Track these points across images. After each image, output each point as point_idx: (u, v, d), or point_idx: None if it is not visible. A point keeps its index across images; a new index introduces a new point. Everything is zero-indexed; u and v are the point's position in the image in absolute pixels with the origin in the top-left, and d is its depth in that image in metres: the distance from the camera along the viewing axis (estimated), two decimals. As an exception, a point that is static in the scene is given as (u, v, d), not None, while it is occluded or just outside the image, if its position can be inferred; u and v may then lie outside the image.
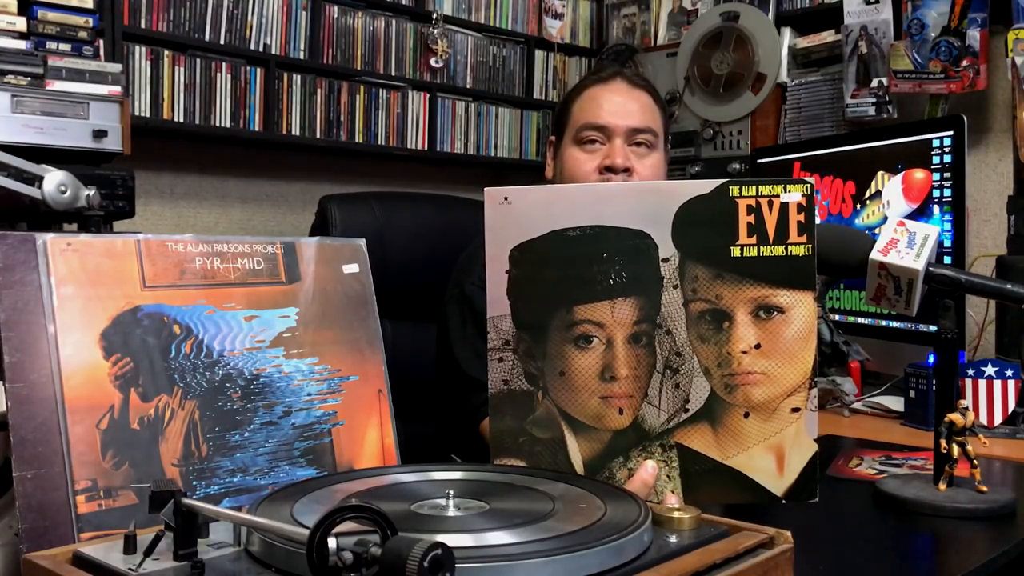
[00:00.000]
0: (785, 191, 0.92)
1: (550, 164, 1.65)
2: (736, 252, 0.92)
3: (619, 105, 1.55)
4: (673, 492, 0.93)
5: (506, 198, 0.91)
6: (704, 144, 3.00)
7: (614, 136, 1.53)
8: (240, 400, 0.90)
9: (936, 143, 1.87)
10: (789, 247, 0.92)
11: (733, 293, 0.93)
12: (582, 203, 0.92)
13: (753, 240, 0.92)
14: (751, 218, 0.92)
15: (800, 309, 0.93)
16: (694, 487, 0.93)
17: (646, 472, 0.92)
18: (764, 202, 0.92)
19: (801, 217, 0.92)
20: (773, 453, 0.94)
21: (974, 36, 2.39)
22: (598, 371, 0.93)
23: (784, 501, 0.94)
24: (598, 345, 0.93)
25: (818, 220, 2.12)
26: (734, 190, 0.92)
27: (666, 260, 0.92)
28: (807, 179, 0.94)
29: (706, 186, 0.92)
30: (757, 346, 0.93)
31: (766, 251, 0.92)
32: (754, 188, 0.92)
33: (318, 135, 2.82)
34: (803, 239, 0.92)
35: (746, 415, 0.93)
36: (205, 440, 0.87)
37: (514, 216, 0.91)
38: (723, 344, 0.93)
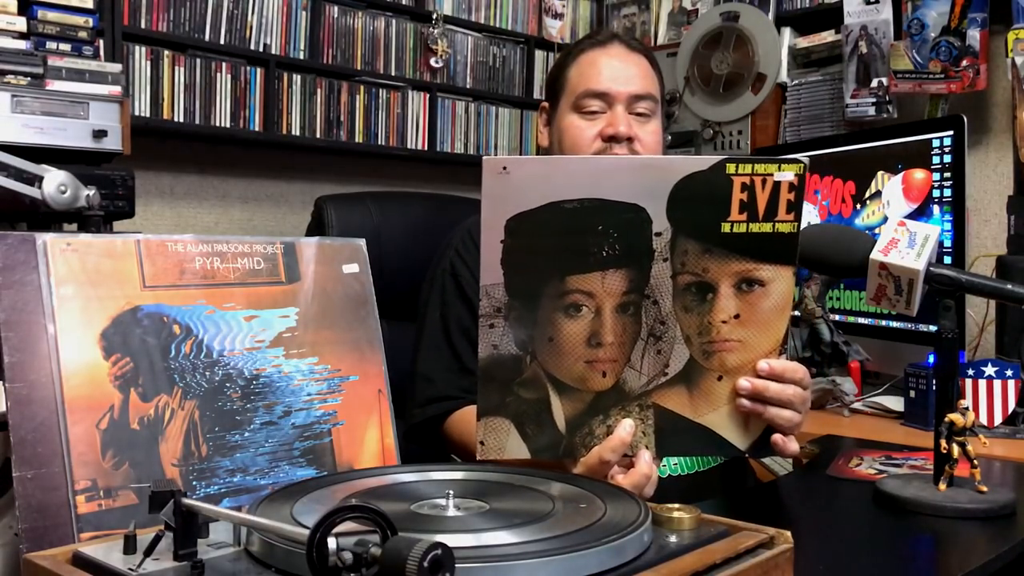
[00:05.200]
0: (779, 170, 0.93)
1: (543, 131, 1.61)
2: (726, 228, 0.94)
3: (619, 70, 1.50)
4: (647, 447, 0.98)
5: (504, 168, 0.91)
6: (704, 144, 3.00)
7: (615, 103, 1.48)
8: (240, 400, 0.90)
9: (936, 143, 1.87)
10: (776, 224, 0.95)
11: (719, 267, 0.96)
12: (580, 176, 0.93)
13: (743, 217, 0.94)
14: (744, 195, 0.94)
15: (779, 282, 0.97)
16: (667, 443, 0.99)
17: (624, 431, 0.97)
18: (758, 180, 0.93)
19: (791, 196, 0.94)
20: (741, 413, 1.00)
21: (974, 36, 2.39)
22: (585, 338, 0.95)
23: (747, 455, 1.02)
24: (587, 313, 0.95)
25: (818, 220, 2.13)
26: (730, 167, 0.93)
27: (659, 234, 0.94)
28: (802, 158, 0.95)
29: (704, 163, 0.93)
30: (736, 316, 0.97)
31: (754, 227, 0.95)
32: (750, 166, 0.93)
33: (318, 135, 2.82)
34: (790, 217, 0.95)
35: (719, 378, 0.99)
36: (205, 440, 0.87)
37: (512, 186, 0.91)
38: (705, 314, 0.97)
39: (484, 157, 0.93)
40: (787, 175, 0.93)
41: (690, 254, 0.95)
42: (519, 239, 0.92)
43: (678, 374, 0.98)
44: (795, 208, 0.94)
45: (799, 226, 0.95)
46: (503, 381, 0.95)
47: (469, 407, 1.32)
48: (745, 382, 0.99)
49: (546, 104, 1.60)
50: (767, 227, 0.94)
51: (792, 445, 1.02)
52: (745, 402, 0.99)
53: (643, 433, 0.98)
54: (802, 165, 0.94)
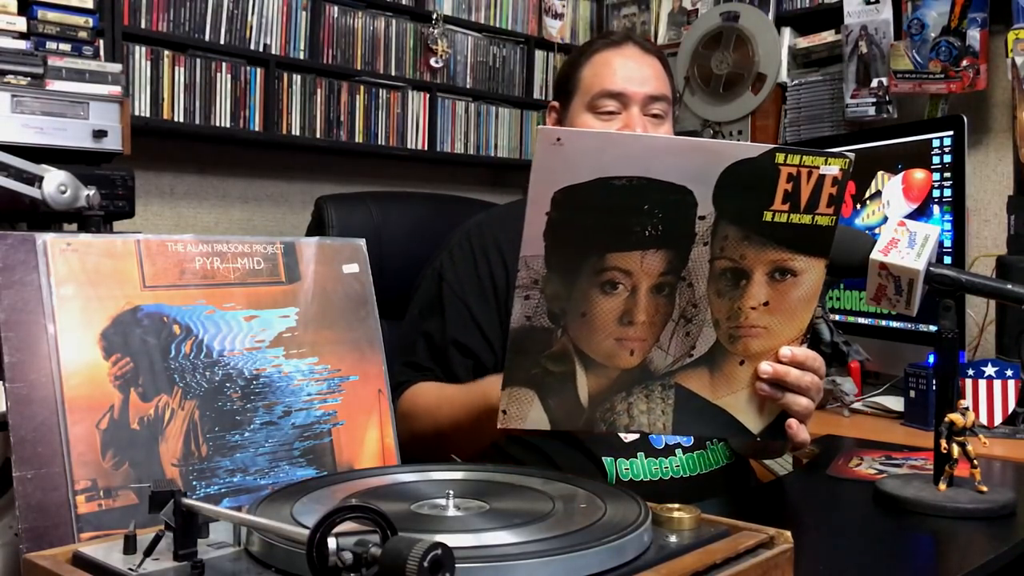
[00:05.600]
0: (826, 163, 0.95)
1: None
2: (767, 216, 0.95)
3: (634, 71, 1.49)
4: (664, 425, 1.00)
5: (559, 139, 0.90)
6: (704, 144, 3.00)
7: (631, 104, 1.47)
8: (240, 400, 0.90)
9: (936, 143, 1.87)
10: (816, 216, 0.96)
11: (756, 255, 0.97)
12: (632, 154, 0.92)
13: (786, 207, 0.95)
14: (789, 186, 0.94)
15: (811, 273, 0.98)
16: (684, 421, 1.01)
17: None
18: (804, 172, 0.94)
19: (834, 190, 0.95)
20: (757, 397, 1.02)
21: (974, 36, 2.39)
22: (618, 315, 0.96)
23: (759, 438, 1.03)
24: (623, 291, 0.95)
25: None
26: (780, 157, 0.94)
27: (702, 218, 0.94)
28: (848, 154, 0.96)
29: (755, 150, 0.94)
30: (766, 303, 0.99)
31: (795, 218, 0.96)
32: (799, 158, 0.94)
33: (318, 135, 2.82)
34: (830, 210, 0.96)
35: (741, 362, 1.01)
36: (205, 440, 0.87)
37: (564, 159, 0.90)
38: (736, 300, 0.98)
39: (539, 127, 0.94)
40: (833, 169, 0.95)
41: (730, 240, 0.96)
42: (564, 213, 0.91)
43: (702, 356, 0.99)
44: (836, 202, 0.96)
45: (837, 220, 0.97)
46: (532, 352, 0.95)
47: (406, 392, 1.36)
48: (767, 366, 1.00)
49: (556, 104, 1.59)
50: (807, 219, 0.96)
51: (804, 433, 1.04)
52: (764, 386, 1.01)
53: (662, 412, 0.99)
54: (848, 160, 0.95)
